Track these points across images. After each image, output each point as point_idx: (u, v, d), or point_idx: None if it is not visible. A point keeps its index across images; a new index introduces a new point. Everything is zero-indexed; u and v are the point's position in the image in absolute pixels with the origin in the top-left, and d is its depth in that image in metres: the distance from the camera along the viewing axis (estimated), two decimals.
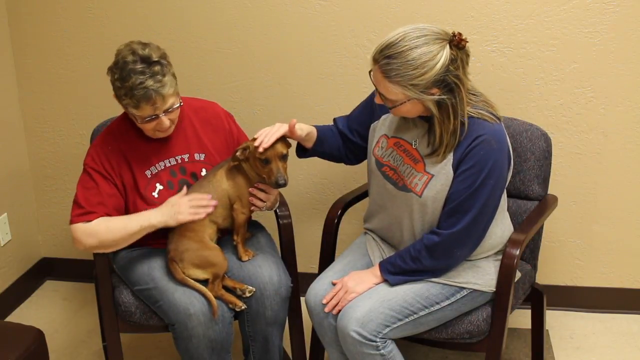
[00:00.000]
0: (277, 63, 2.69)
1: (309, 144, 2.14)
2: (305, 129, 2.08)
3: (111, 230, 2.02)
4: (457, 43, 1.77)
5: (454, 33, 1.78)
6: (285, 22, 2.63)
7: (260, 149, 1.97)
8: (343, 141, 2.20)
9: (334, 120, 2.23)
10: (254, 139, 2.00)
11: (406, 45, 1.76)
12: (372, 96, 2.11)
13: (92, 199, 2.06)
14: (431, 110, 1.82)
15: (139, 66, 1.94)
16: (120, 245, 2.06)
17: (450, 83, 1.78)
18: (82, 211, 2.04)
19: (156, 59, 1.97)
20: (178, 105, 2.03)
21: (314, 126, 2.17)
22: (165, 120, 2.01)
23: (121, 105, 2.01)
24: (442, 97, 1.79)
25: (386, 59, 1.78)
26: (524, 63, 2.53)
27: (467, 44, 1.79)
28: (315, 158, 2.21)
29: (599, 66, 2.49)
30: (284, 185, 2.00)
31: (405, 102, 1.82)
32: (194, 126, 2.20)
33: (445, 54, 1.76)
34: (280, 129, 2.00)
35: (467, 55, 1.82)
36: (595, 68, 2.50)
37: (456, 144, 1.86)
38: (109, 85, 2.08)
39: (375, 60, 1.81)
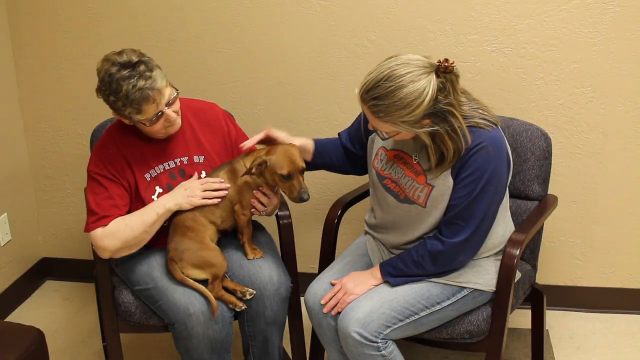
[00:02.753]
0: (277, 63, 2.69)
1: (307, 157, 2.17)
2: (298, 140, 2.12)
3: (130, 226, 2.02)
4: (443, 70, 1.74)
5: (439, 61, 1.75)
6: (285, 22, 2.63)
7: (243, 150, 2.05)
8: (346, 155, 2.21)
9: (339, 134, 2.25)
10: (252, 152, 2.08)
11: (391, 86, 1.72)
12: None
13: (104, 202, 2.05)
14: (424, 140, 1.82)
15: (124, 73, 1.93)
16: (144, 240, 2.06)
17: (442, 112, 1.76)
18: (97, 217, 2.04)
19: (136, 60, 1.96)
20: (176, 94, 2.03)
21: (313, 139, 2.19)
22: (171, 113, 2.01)
23: (124, 117, 2.01)
24: (434, 127, 1.78)
25: (373, 100, 1.76)
26: (524, 63, 2.53)
27: (455, 67, 1.75)
28: None
29: (599, 66, 2.49)
30: (307, 200, 2.00)
31: (398, 133, 1.83)
32: (192, 128, 2.20)
33: (432, 86, 1.72)
34: (258, 135, 2.09)
35: (457, 76, 1.78)
36: (595, 68, 2.50)
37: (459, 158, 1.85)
38: None
39: (363, 100, 1.79)
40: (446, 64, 1.73)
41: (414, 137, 1.91)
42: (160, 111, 1.98)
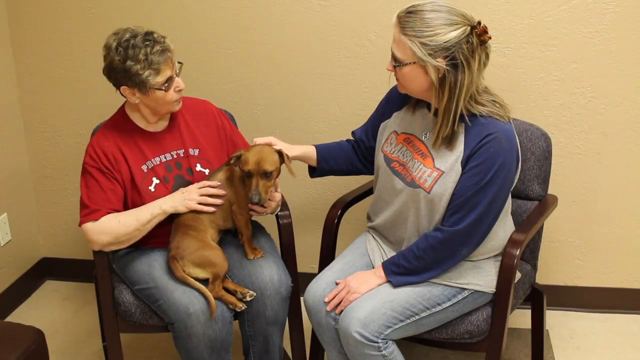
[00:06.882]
0: (277, 63, 2.69)
1: (312, 163, 2.19)
2: (298, 149, 2.14)
3: (123, 223, 2.05)
4: (479, 32, 1.79)
5: (479, 22, 1.81)
6: (285, 22, 2.63)
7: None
8: (359, 150, 2.21)
9: (352, 132, 2.26)
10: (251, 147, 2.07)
11: (429, 7, 1.82)
12: (383, 100, 2.14)
13: (96, 196, 2.07)
14: (432, 79, 1.82)
15: (138, 39, 1.99)
16: (136, 237, 2.08)
17: (457, 59, 1.79)
18: (88, 211, 2.06)
19: (146, 30, 2.03)
20: (180, 66, 2.09)
21: (315, 145, 2.19)
22: (180, 81, 2.07)
23: (137, 87, 2.01)
24: (446, 68, 1.80)
25: (408, 14, 1.83)
26: (524, 63, 2.53)
27: (490, 42, 1.81)
28: None
29: (599, 66, 2.49)
30: (257, 203, 2.01)
31: (409, 63, 1.84)
32: (186, 122, 2.22)
33: (462, 30, 1.78)
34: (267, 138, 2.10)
35: (487, 56, 1.84)
36: (595, 68, 2.50)
37: (451, 131, 1.86)
38: (109, 85, 2.08)
39: (399, 17, 1.86)
40: (484, 29, 1.80)
41: (425, 115, 1.95)
42: (172, 75, 2.03)
